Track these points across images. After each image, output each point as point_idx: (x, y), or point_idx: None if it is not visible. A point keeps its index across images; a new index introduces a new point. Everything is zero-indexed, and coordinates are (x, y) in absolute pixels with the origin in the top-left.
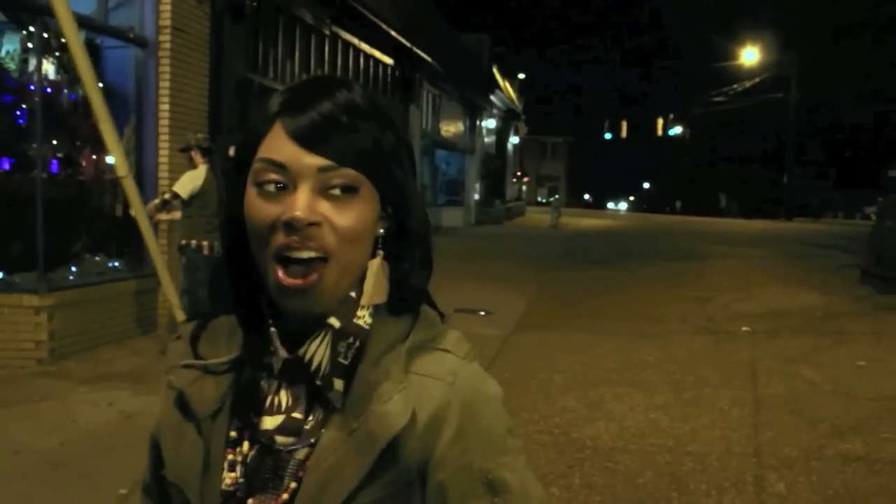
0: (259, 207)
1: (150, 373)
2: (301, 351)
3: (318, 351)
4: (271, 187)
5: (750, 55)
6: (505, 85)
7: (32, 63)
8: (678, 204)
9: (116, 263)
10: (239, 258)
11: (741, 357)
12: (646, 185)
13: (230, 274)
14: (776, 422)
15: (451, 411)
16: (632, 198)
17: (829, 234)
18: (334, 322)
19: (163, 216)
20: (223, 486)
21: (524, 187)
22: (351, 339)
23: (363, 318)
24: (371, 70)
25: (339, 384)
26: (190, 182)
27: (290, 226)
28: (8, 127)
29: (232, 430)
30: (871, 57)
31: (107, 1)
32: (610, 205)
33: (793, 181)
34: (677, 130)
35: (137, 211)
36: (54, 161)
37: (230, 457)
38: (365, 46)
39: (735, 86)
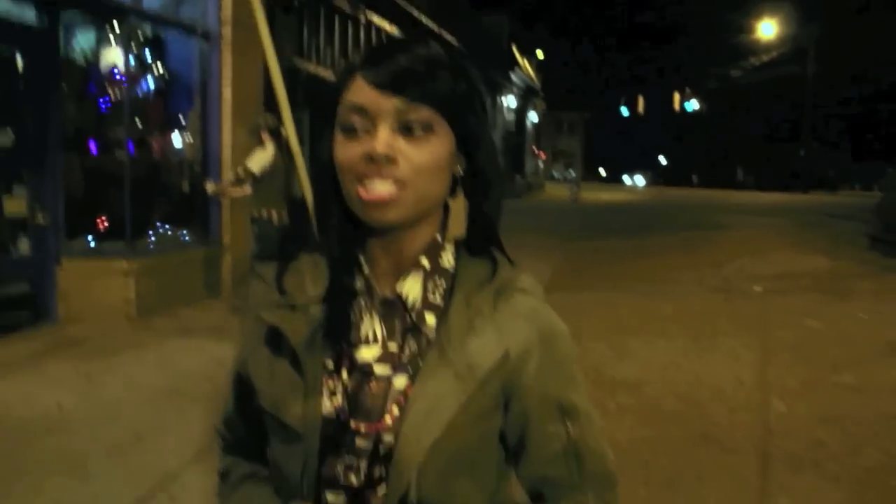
0: (344, 147)
1: (226, 327)
2: (398, 288)
3: (412, 288)
4: (354, 130)
5: (768, 29)
6: (524, 63)
7: (111, 56)
8: (695, 178)
9: (185, 234)
10: (331, 200)
11: (752, 311)
12: (662, 160)
13: (323, 216)
14: (781, 361)
15: (533, 346)
16: (649, 172)
17: (843, 206)
18: (425, 263)
19: (235, 191)
20: (324, 412)
21: (541, 163)
22: (438, 279)
23: (448, 260)
24: None
25: (431, 319)
26: (261, 160)
27: (371, 157)
28: (93, 114)
29: (328, 359)
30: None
31: None
32: (626, 179)
33: (809, 154)
34: (694, 105)
35: (304, 184)
36: (130, 143)
37: (329, 384)
38: (396, 31)
39: (752, 59)
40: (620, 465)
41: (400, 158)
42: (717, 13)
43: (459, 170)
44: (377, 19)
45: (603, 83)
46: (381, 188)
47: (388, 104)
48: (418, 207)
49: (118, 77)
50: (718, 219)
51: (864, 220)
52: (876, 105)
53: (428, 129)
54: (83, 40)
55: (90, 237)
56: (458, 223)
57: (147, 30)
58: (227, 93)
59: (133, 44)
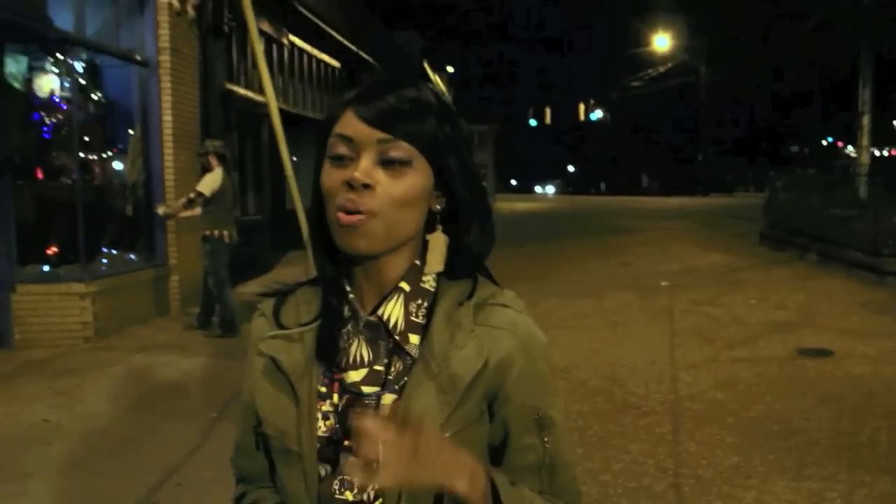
0: (329, 173)
1: (181, 343)
2: (380, 311)
3: (393, 311)
4: (341, 158)
5: (662, 41)
6: (435, 78)
7: (52, 84)
8: (602, 185)
9: (133, 256)
10: (319, 227)
11: (661, 303)
12: (571, 169)
13: (315, 242)
14: (686, 343)
15: (515, 356)
16: (558, 181)
17: (738, 207)
18: (405, 286)
19: (186, 213)
20: (320, 433)
21: None
22: (420, 301)
23: (428, 282)
24: (322, 72)
25: (414, 339)
26: (210, 183)
27: (349, 184)
28: (36, 141)
29: (321, 385)
30: (767, 44)
31: (114, 26)
32: (538, 189)
33: (707, 160)
34: (598, 114)
35: (297, 205)
36: (74, 170)
37: (323, 408)
38: (316, 52)
39: (650, 70)
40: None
41: (377, 188)
42: (618, 27)
43: (437, 206)
44: (299, 41)
45: (511, 96)
46: (356, 210)
47: (372, 136)
48: (389, 237)
49: (59, 104)
50: (626, 223)
51: (755, 219)
52: (763, 114)
53: (406, 164)
54: (23, 68)
55: (43, 263)
56: (437, 259)
57: (87, 58)
58: (167, 118)
59: (73, 72)
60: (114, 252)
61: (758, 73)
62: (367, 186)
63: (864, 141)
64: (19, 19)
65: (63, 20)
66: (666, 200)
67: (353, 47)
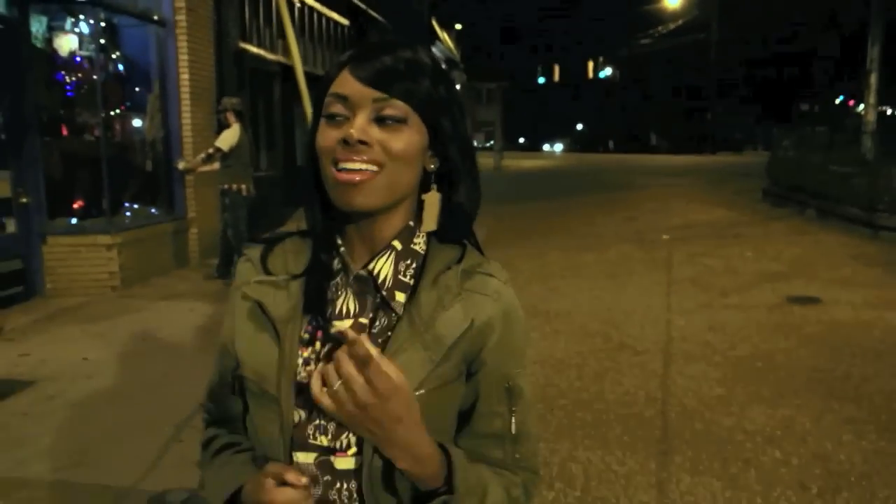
0: (325, 132)
1: (203, 291)
2: (370, 266)
3: (383, 268)
4: (336, 117)
5: None
6: (444, 35)
7: (74, 44)
8: (611, 143)
9: (154, 210)
10: (314, 184)
11: (660, 255)
12: (579, 127)
13: (307, 199)
14: (682, 290)
15: (496, 323)
16: (567, 139)
17: (745, 165)
18: (397, 244)
19: (204, 168)
20: (298, 378)
21: None
22: (409, 261)
23: (419, 244)
24: (331, 30)
25: (401, 296)
26: (229, 139)
27: (345, 141)
28: (61, 99)
29: (304, 332)
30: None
31: None
32: (546, 147)
33: (716, 118)
34: (608, 72)
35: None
36: (95, 126)
37: (305, 354)
38: (326, 10)
39: (660, 27)
40: (559, 368)
41: (373, 143)
42: None
43: (432, 165)
44: (311, 1)
45: (520, 52)
46: (353, 167)
47: (367, 95)
48: (388, 193)
49: (81, 64)
50: (632, 180)
51: (760, 177)
52: (776, 70)
53: (402, 121)
54: (45, 29)
55: (71, 216)
56: (432, 217)
57: (106, 18)
58: (184, 76)
59: (94, 32)
60: (135, 206)
61: (769, 28)
62: (362, 143)
63: (872, 99)
64: None
65: None
66: (674, 158)
67: (363, 5)
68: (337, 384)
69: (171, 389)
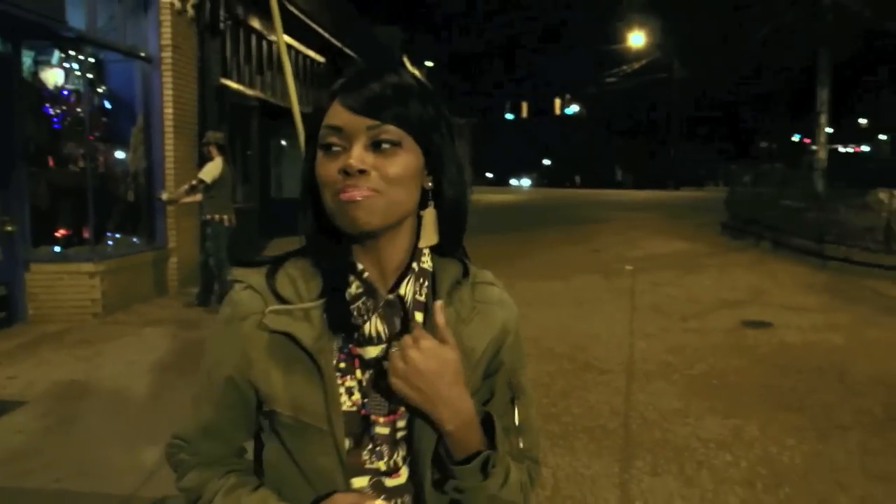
0: (323, 164)
1: (184, 318)
2: (400, 290)
3: (408, 290)
4: (332, 147)
5: (637, 39)
6: (415, 72)
7: (62, 78)
8: (577, 178)
9: (135, 239)
10: (315, 214)
11: (624, 284)
12: (546, 162)
13: (310, 228)
14: (644, 316)
15: (509, 327)
16: (534, 174)
17: (706, 199)
18: (415, 266)
19: (187, 199)
20: (346, 407)
21: None
22: (422, 280)
23: (426, 262)
24: (308, 67)
25: (419, 316)
26: (212, 171)
27: (345, 171)
28: (48, 131)
29: (341, 361)
30: (727, 45)
31: (121, 23)
32: (513, 181)
33: (679, 154)
34: (574, 109)
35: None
36: (79, 157)
37: (347, 383)
38: (303, 48)
39: (625, 67)
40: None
41: (371, 171)
42: (590, 24)
43: (429, 183)
44: (287, 38)
45: (488, 90)
46: (352, 194)
47: (360, 124)
48: (389, 213)
49: (68, 97)
50: (598, 214)
51: (720, 211)
52: (735, 109)
53: (397, 145)
54: (34, 64)
55: (54, 244)
56: (431, 232)
57: (94, 54)
58: (168, 110)
59: (82, 67)
60: (118, 235)
61: (724, 73)
62: (362, 172)
63: (822, 138)
64: (42, 20)
65: (74, 19)
66: (638, 193)
67: (338, 43)
68: (395, 348)
69: (162, 408)
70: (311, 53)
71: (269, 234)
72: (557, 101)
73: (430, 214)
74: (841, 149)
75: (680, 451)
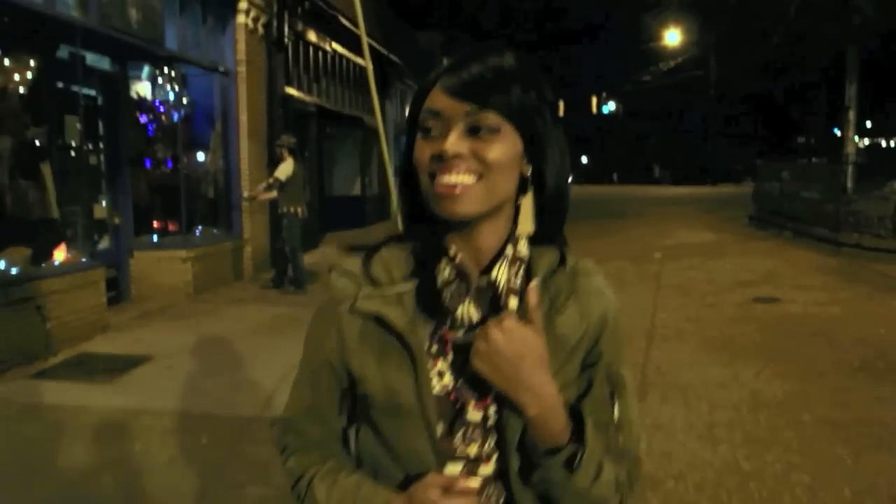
0: (420, 147)
1: (262, 298)
2: (492, 275)
3: (500, 275)
4: (430, 132)
5: (673, 36)
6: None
7: (155, 91)
8: (615, 176)
9: (216, 230)
10: (411, 199)
11: (652, 269)
12: (584, 160)
13: (406, 213)
14: (668, 295)
15: (608, 316)
16: (572, 172)
17: (741, 195)
18: (509, 251)
19: (265, 196)
20: (437, 391)
21: None
22: (517, 266)
23: (522, 249)
24: (357, 73)
25: (513, 302)
26: (285, 170)
27: (439, 156)
28: (144, 138)
29: (433, 344)
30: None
31: (204, 43)
32: None
33: (716, 150)
34: (611, 107)
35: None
36: (169, 161)
37: (438, 366)
38: (351, 55)
39: (661, 64)
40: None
41: (468, 156)
42: (626, 24)
43: (528, 170)
44: (339, 48)
45: None
46: (450, 181)
47: (459, 109)
48: (487, 200)
49: (159, 107)
50: (632, 209)
51: (749, 205)
52: (773, 105)
53: (494, 131)
54: (135, 80)
55: (153, 234)
56: (528, 220)
57: (181, 69)
58: (242, 117)
59: (172, 81)
60: (201, 227)
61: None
62: (457, 156)
63: (850, 132)
64: (146, 44)
65: (167, 40)
66: (675, 190)
67: (384, 50)
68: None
69: (260, 360)
70: (360, 61)
71: (325, 227)
72: (594, 100)
73: (527, 202)
74: (885, 143)
75: (685, 389)
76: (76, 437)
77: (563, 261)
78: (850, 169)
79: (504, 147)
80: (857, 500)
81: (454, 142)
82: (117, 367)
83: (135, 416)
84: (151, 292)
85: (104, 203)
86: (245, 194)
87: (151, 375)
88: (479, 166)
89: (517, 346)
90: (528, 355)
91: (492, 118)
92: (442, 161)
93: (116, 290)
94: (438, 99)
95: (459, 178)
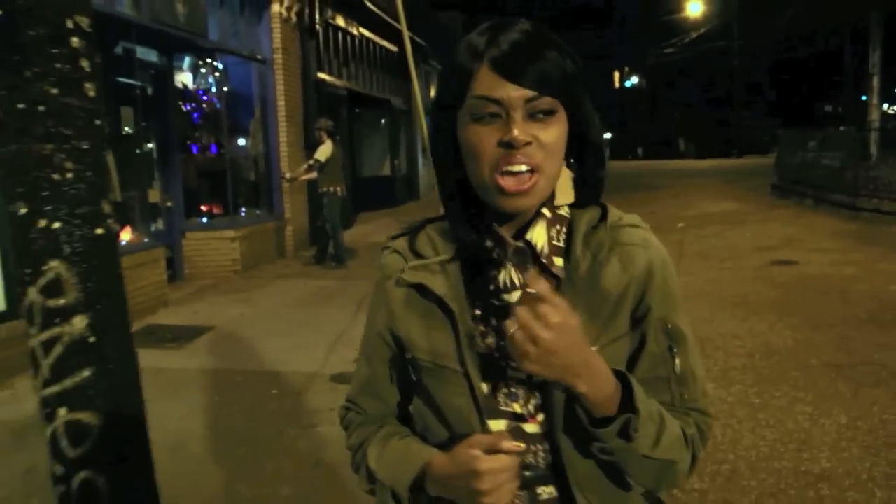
0: (479, 133)
1: (307, 273)
2: (527, 236)
3: (537, 236)
4: (488, 117)
5: (695, 7)
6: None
7: (198, 81)
8: (640, 150)
9: (258, 211)
10: (454, 178)
11: (675, 238)
12: (608, 135)
13: (446, 191)
14: (689, 260)
15: (654, 269)
16: None
17: (765, 165)
18: (546, 212)
19: (306, 176)
20: (482, 350)
21: None
22: (559, 226)
23: (563, 209)
24: (384, 56)
25: (559, 261)
26: (324, 152)
27: (510, 144)
28: (189, 125)
29: (476, 309)
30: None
31: (242, 33)
32: None
33: (742, 122)
34: (634, 81)
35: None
36: (214, 146)
37: (481, 329)
38: (378, 39)
39: (683, 36)
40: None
41: (534, 143)
42: None
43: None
44: (366, 32)
45: None
46: (517, 170)
47: (521, 96)
48: (546, 190)
49: (202, 95)
50: (657, 181)
51: (772, 175)
52: (798, 74)
53: (552, 114)
54: (178, 71)
55: (202, 216)
56: (569, 190)
57: (221, 59)
58: (280, 102)
59: (214, 70)
60: (245, 208)
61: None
62: (527, 143)
63: (874, 100)
64: (191, 36)
65: (210, 32)
66: (700, 163)
67: (409, 32)
68: (514, 329)
69: (313, 327)
70: (386, 44)
71: (358, 208)
72: (617, 75)
73: (566, 172)
74: None
75: (703, 342)
76: (161, 393)
77: (604, 217)
78: (872, 135)
79: (558, 129)
80: (852, 424)
81: (523, 129)
82: (184, 336)
83: (209, 374)
84: (203, 270)
85: (157, 188)
86: (287, 175)
87: (216, 341)
88: (539, 153)
89: (564, 338)
90: (573, 342)
91: (549, 102)
92: (512, 148)
93: (171, 269)
94: (496, 86)
95: (524, 167)
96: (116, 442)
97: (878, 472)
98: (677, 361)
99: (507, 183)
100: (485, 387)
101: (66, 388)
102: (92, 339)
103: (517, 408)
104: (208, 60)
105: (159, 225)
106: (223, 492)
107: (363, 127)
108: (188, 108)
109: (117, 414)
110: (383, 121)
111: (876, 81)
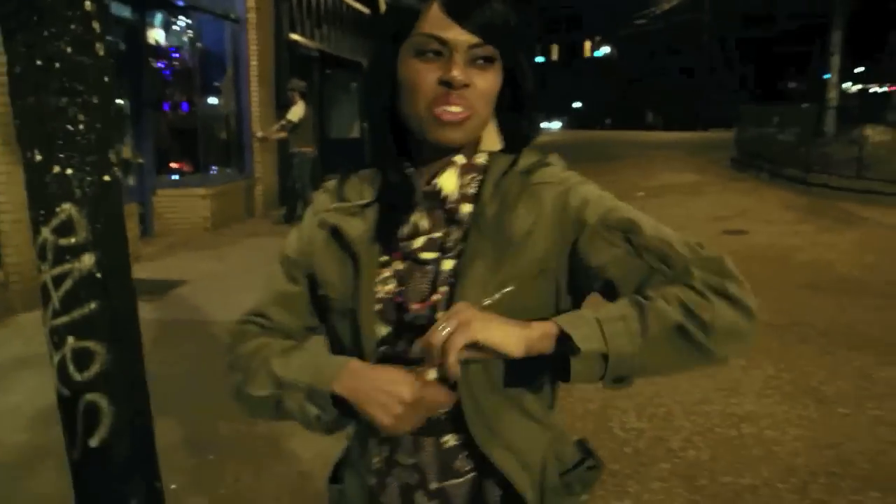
0: (420, 70)
1: (277, 231)
2: (435, 182)
3: (446, 182)
4: (431, 55)
5: None
6: None
7: (170, 38)
8: (608, 121)
9: (229, 170)
10: (385, 113)
11: (635, 206)
12: (577, 105)
13: (378, 125)
14: None
15: (568, 195)
16: (564, 117)
17: (729, 139)
18: (459, 159)
19: (277, 136)
20: (382, 295)
21: None
22: (473, 174)
23: (481, 157)
24: (356, 19)
25: (466, 208)
26: (297, 112)
27: (449, 83)
28: (161, 82)
29: (383, 254)
30: None
31: None
32: (544, 124)
33: (708, 96)
34: (605, 51)
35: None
36: (185, 104)
37: (385, 273)
38: (351, 1)
39: (654, 8)
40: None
41: (471, 86)
42: None
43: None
44: None
45: None
46: (454, 110)
47: (466, 41)
48: (475, 131)
49: (174, 53)
50: (621, 152)
51: (732, 149)
52: (763, 50)
53: (490, 61)
54: (150, 27)
55: (172, 173)
56: (494, 138)
57: (194, 17)
58: (253, 62)
59: (187, 28)
60: (216, 167)
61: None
62: (465, 85)
63: (835, 78)
64: None
65: None
66: (665, 134)
67: None
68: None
69: None
70: (359, 6)
71: (327, 169)
72: (588, 44)
73: (491, 124)
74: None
75: None
76: None
77: (516, 162)
78: (830, 113)
79: (495, 78)
80: (777, 375)
81: (462, 70)
82: (158, 290)
83: (185, 324)
84: (173, 227)
85: (129, 144)
86: (259, 134)
87: (189, 294)
88: (477, 95)
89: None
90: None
91: (490, 50)
92: (450, 88)
93: (142, 225)
94: (444, 26)
95: (461, 108)
96: (118, 367)
97: (793, 415)
98: (639, 245)
99: (446, 115)
100: (384, 330)
101: (74, 318)
102: (98, 275)
103: (417, 352)
104: (181, 18)
105: (130, 181)
106: (205, 428)
107: (334, 89)
108: (160, 65)
109: (119, 342)
110: (354, 84)
111: (836, 60)
